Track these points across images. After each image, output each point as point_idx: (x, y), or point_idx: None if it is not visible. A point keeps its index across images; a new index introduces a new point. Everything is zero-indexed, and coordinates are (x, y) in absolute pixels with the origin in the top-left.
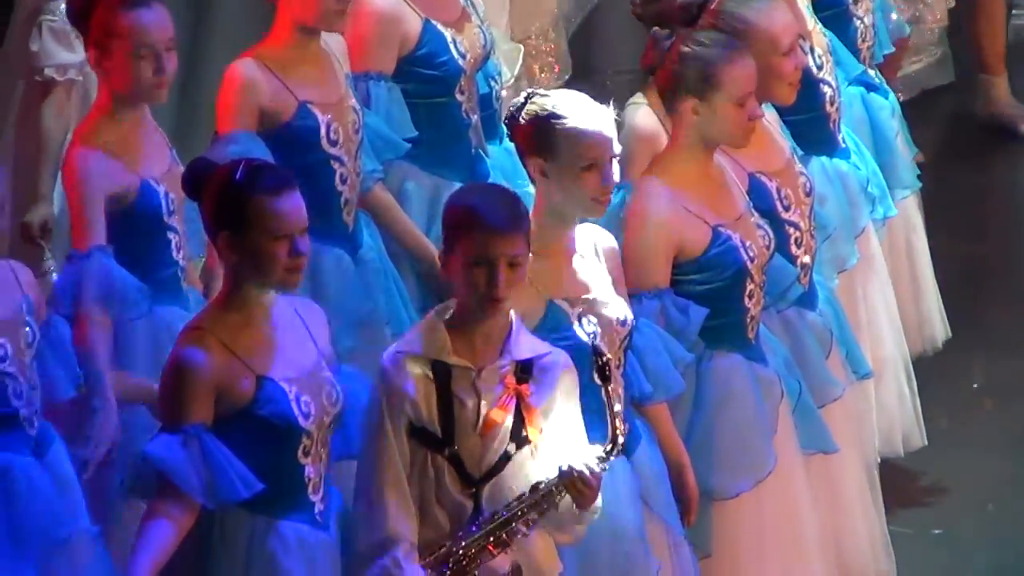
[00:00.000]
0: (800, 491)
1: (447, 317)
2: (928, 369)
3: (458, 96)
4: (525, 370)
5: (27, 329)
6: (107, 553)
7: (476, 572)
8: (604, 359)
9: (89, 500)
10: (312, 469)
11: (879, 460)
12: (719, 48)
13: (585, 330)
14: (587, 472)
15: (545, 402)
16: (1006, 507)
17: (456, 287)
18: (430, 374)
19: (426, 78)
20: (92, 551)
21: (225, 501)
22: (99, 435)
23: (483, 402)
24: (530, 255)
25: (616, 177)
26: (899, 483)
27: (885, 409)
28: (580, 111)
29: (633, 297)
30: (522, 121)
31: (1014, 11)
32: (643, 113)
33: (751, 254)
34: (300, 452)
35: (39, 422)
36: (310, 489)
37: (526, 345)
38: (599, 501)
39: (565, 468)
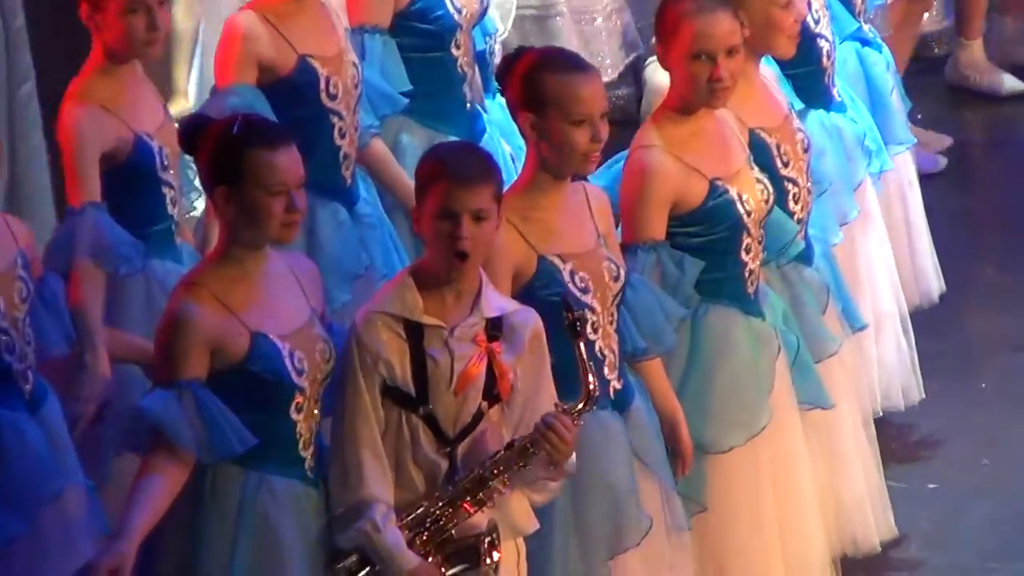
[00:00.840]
0: (796, 446)
1: (418, 276)
2: (922, 323)
3: (454, 51)
4: (496, 327)
5: (21, 284)
6: (100, 508)
7: (453, 532)
8: (575, 315)
9: (81, 457)
10: (304, 425)
11: (878, 415)
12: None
13: (577, 286)
14: (562, 427)
15: (515, 359)
16: (1000, 462)
17: (426, 243)
18: (402, 333)
19: (421, 32)
20: (85, 506)
21: (219, 456)
22: (90, 391)
23: (456, 361)
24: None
25: (605, 133)
26: (894, 438)
27: (884, 363)
28: (570, 67)
29: (628, 250)
30: (512, 75)
31: None
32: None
33: (748, 208)
34: (293, 408)
35: (34, 377)
36: (301, 445)
37: (495, 302)
38: (573, 458)
39: (540, 424)
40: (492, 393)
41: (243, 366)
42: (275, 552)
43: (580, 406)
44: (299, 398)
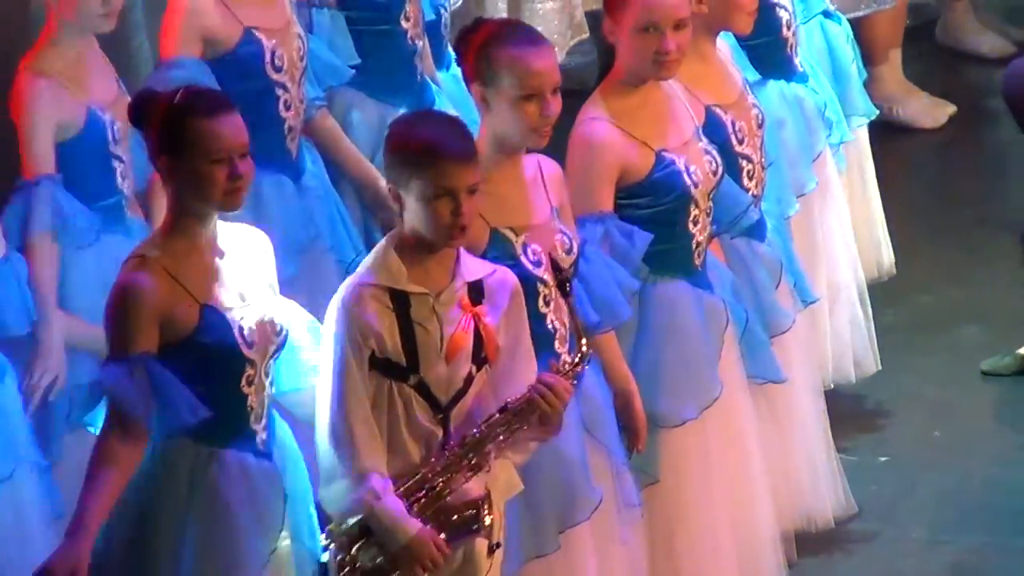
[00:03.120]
0: (746, 419)
1: (399, 246)
2: (876, 295)
3: (403, 23)
4: (477, 291)
5: None
6: (54, 489)
7: (449, 498)
8: (564, 274)
9: (35, 435)
10: (255, 398)
11: (832, 387)
12: None
13: (530, 259)
14: (560, 387)
15: (499, 320)
16: (952, 434)
17: (411, 218)
18: (389, 303)
19: (370, 5)
20: (37, 486)
21: (171, 428)
22: (43, 363)
23: (444, 326)
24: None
25: (557, 108)
26: (846, 410)
27: (839, 335)
28: (524, 40)
29: (577, 222)
30: (467, 47)
31: None
32: None
33: (695, 179)
34: (244, 381)
35: None
36: (252, 419)
37: (473, 266)
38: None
39: (538, 384)
40: (480, 357)
41: (193, 338)
42: (227, 526)
43: (576, 365)
44: (249, 371)
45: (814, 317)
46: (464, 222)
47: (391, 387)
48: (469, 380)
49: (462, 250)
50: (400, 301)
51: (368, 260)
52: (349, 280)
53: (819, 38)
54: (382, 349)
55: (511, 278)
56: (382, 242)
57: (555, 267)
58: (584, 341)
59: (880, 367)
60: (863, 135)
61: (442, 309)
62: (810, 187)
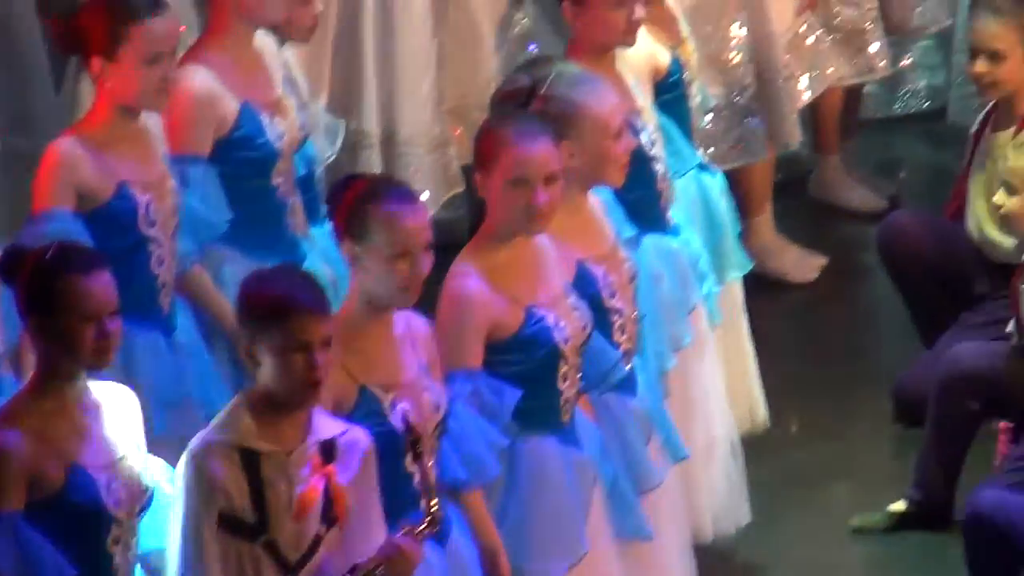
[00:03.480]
0: None
1: (251, 402)
2: (749, 449)
3: (275, 179)
4: (329, 450)
5: None
6: None
7: None
8: (417, 436)
9: None
10: (121, 557)
11: (710, 541)
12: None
13: (399, 416)
14: (408, 549)
15: (350, 480)
16: None
17: (265, 374)
18: (239, 462)
19: (242, 160)
20: None
21: None
22: None
23: (294, 485)
24: (343, 339)
25: (428, 265)
26: (716, 566)
27: (714, 489)
28: (395, 198)
29: (446, 378)
30: (338, 203)
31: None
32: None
33: (565, 335)
34: (110, 540)
35: None
36: None
37: (326, 424)
38: None
39: (387, 546)
40: (329, 516)
41: (59, 497)
42: None
43: (423, 528)
44: (116, 530)
45: (691, 470)
46: (318, 376)
47: (239, 547)
48: (318, 540)
49: (315, 408)
50: (250, 460)
51: (219, 417)
52: (199, 436)
53: (694, 191)
54: (231, 507)
55: (364, 437)
56: (234, 399)
57: (408, 427)
58: (434, 503)
59: (752, 520)
60: (737, 288)
61: (293, 468)
62: (686, 341)
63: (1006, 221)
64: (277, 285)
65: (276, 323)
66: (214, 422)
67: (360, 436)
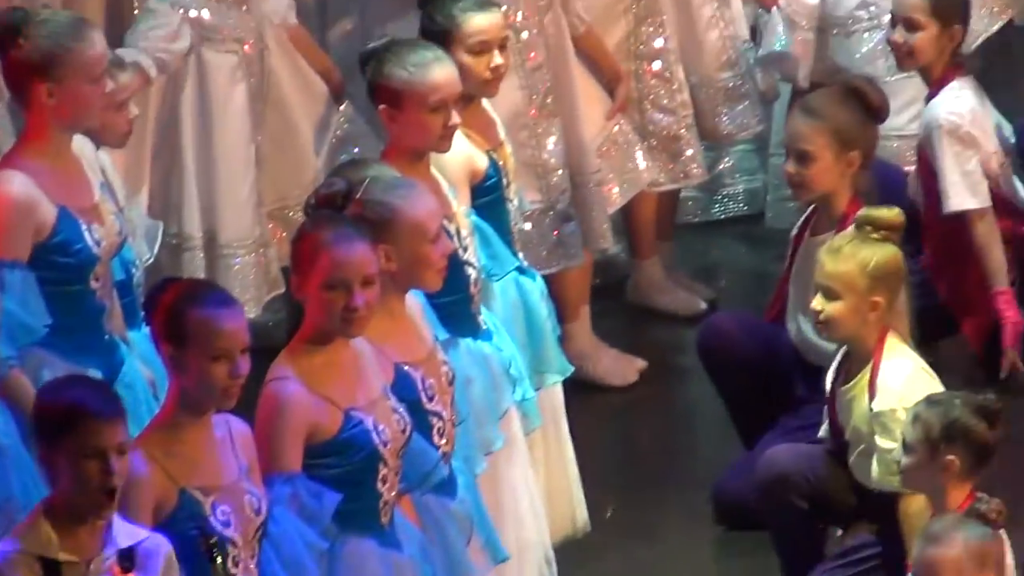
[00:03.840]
0: None
1: (51, 510)
2: (569, 553)
3: (92, 283)
4: (128, 558)
5: None
6: None
7: None
8: (211, 540)
9: None
10: None
11: None
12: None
13: (219, 519)
14: None
15: None
16: None
17: (62, 482)
18: (40, 572)
19: (60, 266)
20: None
21: None
22: None
23: None
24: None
25: (246, 368)
26: None
27: None
28: (213, 301)
29: (266, 481)
30: (156, 307)
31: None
32: None
33: (384, 438)
34: None
35: None
36: None
37: (125, 532)
38: None
39: None
40: None
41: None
42: None
43: None
44: None
45: (504, 575)
46: (114, 483)
47: None
48: None
49: (115, 516)
50: (51, 569)
51: (21, 525)
52: (2, 544)
53: (514, 294)
54: None
55: (164, 544)
56: (36, 507)
57: (203, 533)
58: None
59: None
60: (558, 392)
61: None
62: (497, 445)
63: (824, 327)
64: (68, 393)
65: (68, 431)
66: (14, 530)
67: (160, 542)
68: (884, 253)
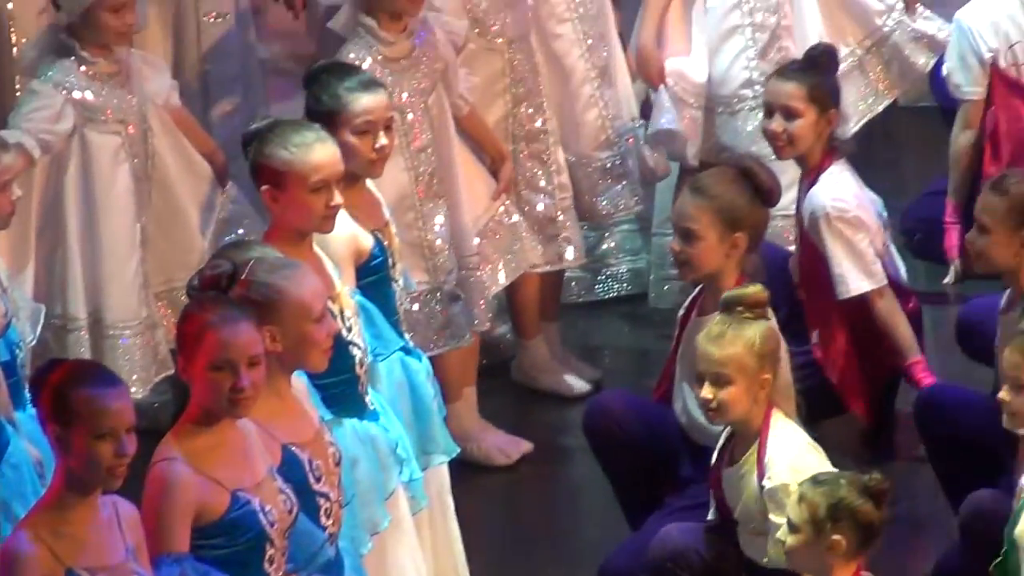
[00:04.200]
0: None
1: None
2: None
3: None
4: None
5: None
6: None
7: None
8: None
9: None
10: None
11: None
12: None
13: None
14: None
15: None
16: None
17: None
18: None
19: None
20: None
21: None
22: None
23: None
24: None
25: (132, 449)
26: None
27: None
28: (98, 381)
29: (153, 563)
30: (42, 387)
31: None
32: None
33: (271, 519)
34: None
35: None
36: None
37: None
38: None
39: None
40: None
41: None
42: None
43: None
44: None
45: None
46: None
47: None
48: None
49: None
50: None
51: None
52: None
53: (399, 374)
54: None
55: None
56: None
57: None
58: None
59: None
60: (444, 472)
61: None
62: (383, 525)
63: (717, 413)
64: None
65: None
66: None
67: None
68: (763, 330)
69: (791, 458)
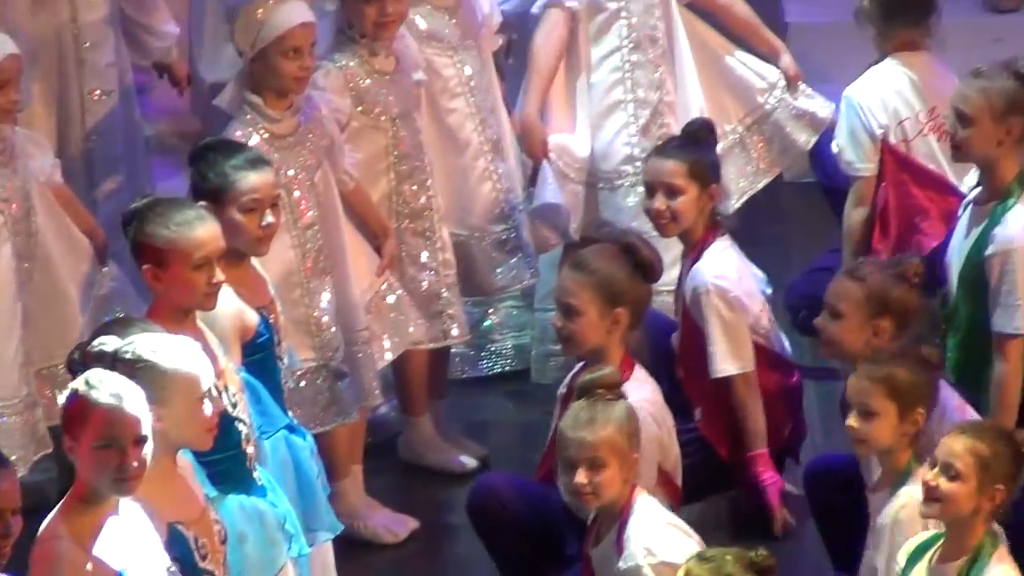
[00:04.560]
0: None
1: None
2: None
3: None
4: None
5: None
6: None
7: None
8: None
9: None
10: None
11: None
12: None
13: None
14: None
15: None
16: None
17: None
18: None
19: None
20: None
21: None
22: None
23: None
24: None
25: (17, 528)
26: None
27: None
28: None
29: None
30: None
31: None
32: None
33: None
34: None
35: None
36: None
37: None
38: None
39: None
40: None
41: None
42: None
43: None
44: None
45: None
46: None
47: None
48: None
49: None
50: None
51: None
52: None
53: (284, 451)
54: None
55: None
56: None
57: None
58: None
59: None
60: (328, 550)
61: None
62: None
63: (594, 497)
64: None
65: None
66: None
67: None
68: (627, 409)
69: (647, 539)
